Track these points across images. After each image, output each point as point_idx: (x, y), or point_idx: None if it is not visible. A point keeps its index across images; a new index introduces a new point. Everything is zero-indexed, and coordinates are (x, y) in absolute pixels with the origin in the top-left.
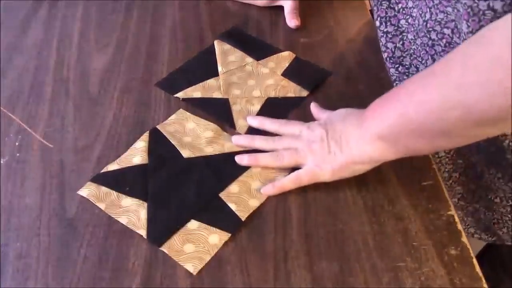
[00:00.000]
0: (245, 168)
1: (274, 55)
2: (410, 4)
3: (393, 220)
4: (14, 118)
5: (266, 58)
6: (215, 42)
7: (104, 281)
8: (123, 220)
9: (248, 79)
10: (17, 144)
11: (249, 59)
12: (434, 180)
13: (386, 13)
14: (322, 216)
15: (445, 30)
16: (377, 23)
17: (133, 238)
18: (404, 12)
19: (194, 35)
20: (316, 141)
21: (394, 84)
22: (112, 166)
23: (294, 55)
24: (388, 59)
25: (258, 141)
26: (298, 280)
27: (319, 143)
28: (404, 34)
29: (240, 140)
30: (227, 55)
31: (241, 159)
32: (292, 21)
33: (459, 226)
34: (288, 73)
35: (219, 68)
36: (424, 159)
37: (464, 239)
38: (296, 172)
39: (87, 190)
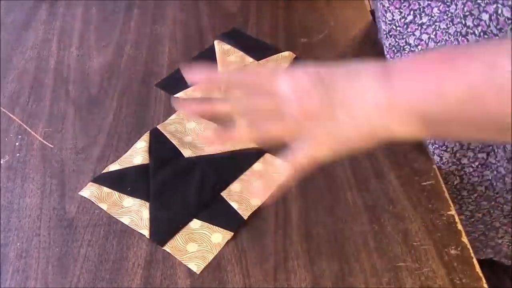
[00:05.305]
0: (247, 167)
1: (274, 55)
2: None
3: (393, 220)
4: (14, 118)
5: (266, 58)
6: (215, 42)
7: (104, 281)
8: (125, 220)
9: None
10: (17, 144)
11: (249, 59)
12: (434, 180)
13: (420, 4)
14: (322, 216)
15: (483, 15)
16: (411, 17)
17: (133, 238)
18: None
19: (194, 35)
20: (312, 103)
21: None
22: (113, 167)
23: (294, 55)
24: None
25: (220, 105)
26: (298, 280)
27: (318, 106)
28: (436, 23)
29: (187, 106)
30: (227, 55)
31: (209, 140)
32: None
33: (459, 226)
34: None
35: (219, 68)
36: (425, 159)
37: (464, 239)
38: (293, 160)
39: (89, 191)
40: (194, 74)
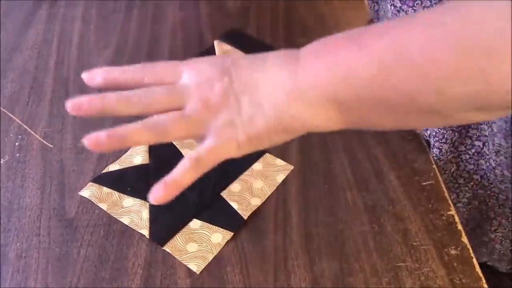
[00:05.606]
0: (246, 167)
1: None
2: None
3: (393, 220)
4: (14, 118)
5: None
6: (215, 43)
7: (104, 281)
8: (125, 220)
9: None
10: (17, 144)
11: None
12: (434, 180)
13: (431, 1)
14: (322, 216)
15: None
16: None
17: (133, 238)
18: None
19: (194, 35)
20: (214, 94)
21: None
22: (113, 167)
23: None
24: None
25: (112, 99)
26: (298, 280)
27: (221, 97)
28: None
29: (79, 103)
30: None
31: (95, 141)
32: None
33: (459, 226)
34: None
35: None
36: (425, 159)
37: (464, 239)
38: (193, 155)
39: (89, 191)
40: (92, 76)
